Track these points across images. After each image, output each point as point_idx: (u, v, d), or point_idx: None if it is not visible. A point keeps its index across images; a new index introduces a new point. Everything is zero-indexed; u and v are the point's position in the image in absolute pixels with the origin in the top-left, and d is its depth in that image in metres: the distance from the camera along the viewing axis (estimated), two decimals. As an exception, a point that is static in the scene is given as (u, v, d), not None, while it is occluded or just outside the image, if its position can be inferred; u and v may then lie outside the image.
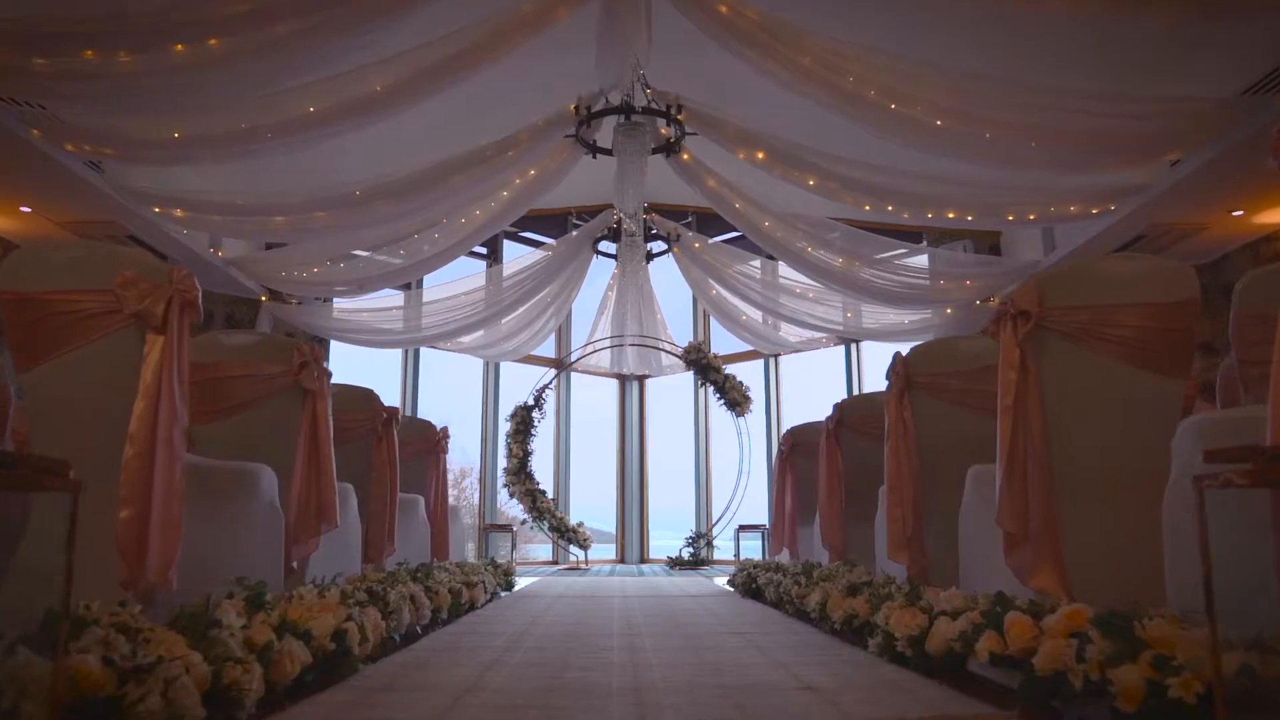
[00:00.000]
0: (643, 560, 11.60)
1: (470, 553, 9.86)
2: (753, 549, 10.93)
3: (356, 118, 5.49)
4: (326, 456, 3.22)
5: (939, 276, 8.12)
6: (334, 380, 3.55)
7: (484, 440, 10.61)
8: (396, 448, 4.30)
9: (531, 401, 9.83)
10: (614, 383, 12.00)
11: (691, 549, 9.91)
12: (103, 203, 6.43)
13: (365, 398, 4.32)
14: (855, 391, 9.95)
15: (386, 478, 4.17)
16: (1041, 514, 2.34)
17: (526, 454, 9.68)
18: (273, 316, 8.82)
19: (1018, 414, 2.46)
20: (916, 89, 5.37)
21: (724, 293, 9.88)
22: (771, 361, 10.74)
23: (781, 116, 6.98)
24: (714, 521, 10.22)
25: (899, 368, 3.49)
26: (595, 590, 5.91)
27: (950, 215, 6.82)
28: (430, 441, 5.28)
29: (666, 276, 11.02)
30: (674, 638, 3.20)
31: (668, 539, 11.89)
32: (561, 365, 10.97)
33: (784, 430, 5.75)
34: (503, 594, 5.67)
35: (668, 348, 10.36)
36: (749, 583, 5.15)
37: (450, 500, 5.78)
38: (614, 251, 9.79)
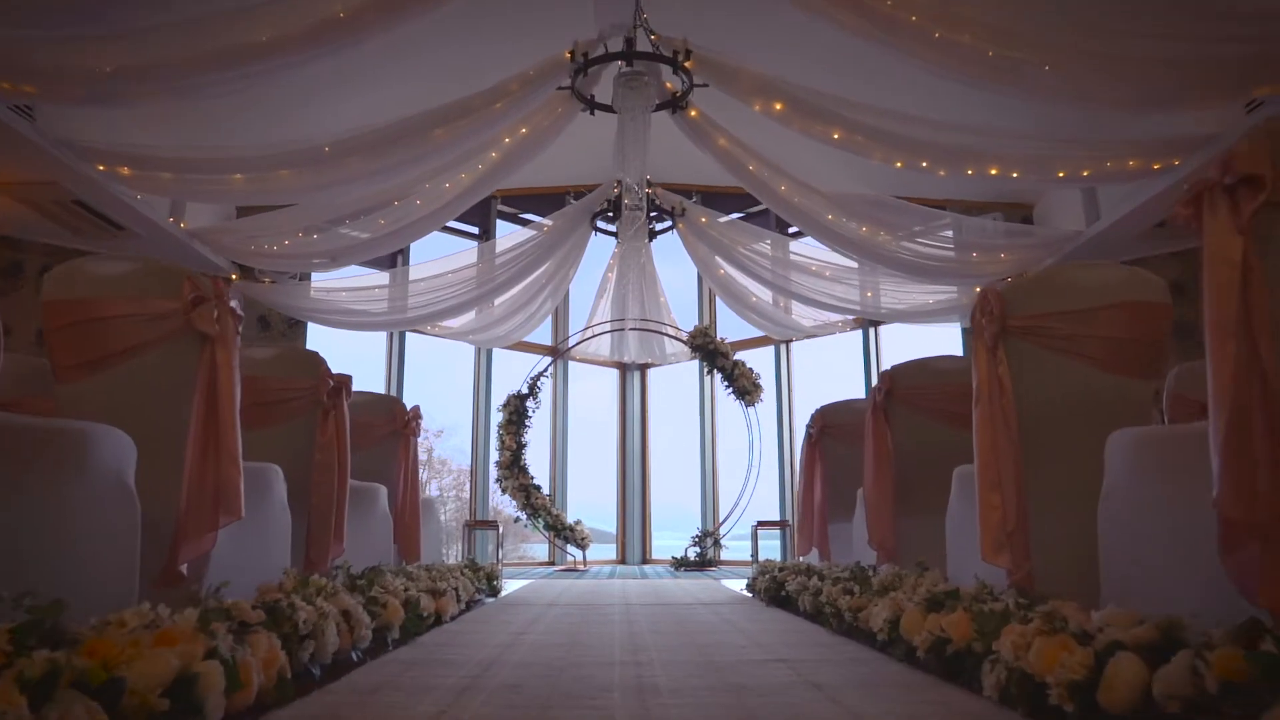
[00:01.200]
0: (645, 561, 10.74)
1: (458, 554, 9.01)
2: (770, 549, 10.08)
3: (314, 46, 4.64)
4: (229, 424, 2.37)
5: (969, 248, 7.27)
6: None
7: (475, 433, 9.75)
8: (346, 424, 3.46)
9: (525, 390, 8.98)
10: (614, 373, 11.14)
11: (698, 549, 9.05)
12: (38, 158, 5.58)
13: (308, 362, 3.48)
14: (873, 380, 9.09)
15: (333, 460, 3.33)
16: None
17: (520, 446, 8.83)
18: (243, 296, 7.95)
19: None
20: (965, 8, 4.52)
21: (732, 272, 9.04)
22: (783, 349, 9.89)
23: (800, 68, 6.14)
24: (721, 520, 9.37)
25: (990, 305, 2.62)
26: (593, 597, 5.06)
27: (992, 172, 5.97)
28: (398, 421, 4.43)
29: (670, 261, 10.19)
30: (697, 668, 2.35)
31: (671, 539, 11.04)
32: (558, 352, 10.11)
33: (814, 411, 4.89)
34: (487, 600, 4.82)
35: (671, 332, 9.50)
36: (774, 588, 4.30)
37: (433, 492, 4.94)
38: (614, 230, 8.95)
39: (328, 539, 3.22)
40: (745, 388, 9.02)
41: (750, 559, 6.10)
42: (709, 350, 9.04)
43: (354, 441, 4.10)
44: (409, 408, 4.52)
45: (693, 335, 9.09)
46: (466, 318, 9.23)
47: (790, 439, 9.72)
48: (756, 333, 10.02)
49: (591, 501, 11.09)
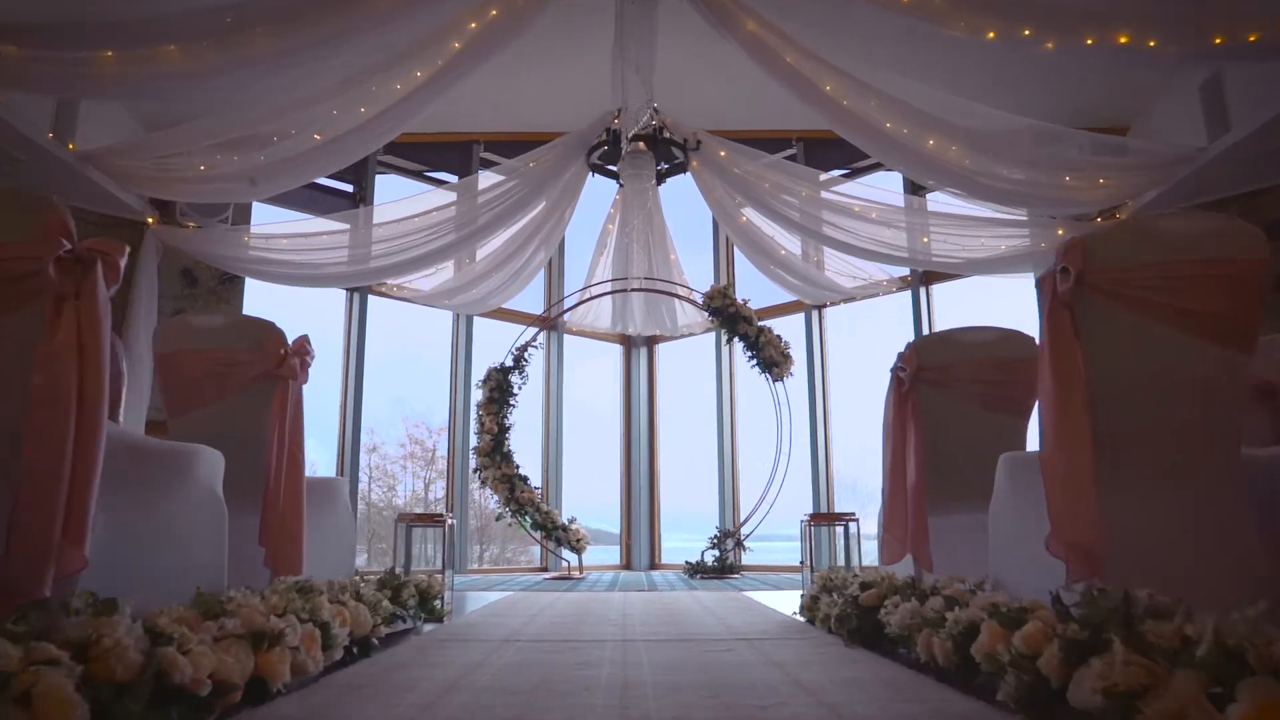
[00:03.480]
0: (653, 566, 9.10)
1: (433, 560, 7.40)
2: (783, 551, 8.44)
3: None
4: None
5: (1065, 169, 5.62)
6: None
7: (452, 416, 8.14)
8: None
9: (510, 362, 7.36)
10: (617, 350, 9.52)
11: (716, 552, 7.41)
12: None
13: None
14: (926, 348, 7.44)
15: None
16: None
17: (503, 429, 7.22)
18: (161, 244, 6.38)
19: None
20: None
21: (757, 220, 7.42)
22: (814, 316, 8.24)
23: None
24: (743, 518, 7.72)
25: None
26: (578, 623, 3.45)
27: (1121, 40, 4.33)
28: (268, 357, 2.81)
29: (681, 219, 8.56)
30: None
31: (683, 540, 9.40)
32: (548, 322, 8.50)
33: (905, 347, 3.29)
34: (422, 630, 3.22)
35: (683, 291, 7.87)
36: (856, 619, 2.67)
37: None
38: (615, 170, 7.34)
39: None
40: (773, 359, 7.38)
41: (800, 564, 4.41)
42: (729, 314, 7.41)
43: (204, 389, 2.53)
44: (290, 339, 2.91)
45: (709, 296, 7.46)
46: (442, 276, 7.62)
47: (825, 422, 8.07)
48: (783, 298, 8.39)
49: (591, 498, 9.48)
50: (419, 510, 8.39)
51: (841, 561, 4.11)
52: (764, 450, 8.65)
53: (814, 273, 7.59)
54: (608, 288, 7.90)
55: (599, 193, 8.67)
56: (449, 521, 3.55)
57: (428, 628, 3.40)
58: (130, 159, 5.55)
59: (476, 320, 8.27)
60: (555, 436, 8.71)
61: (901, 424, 3.09)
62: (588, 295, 7.87)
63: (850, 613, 2.71)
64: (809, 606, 3.35)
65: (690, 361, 9.40)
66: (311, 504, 2.97)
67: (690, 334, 8.98)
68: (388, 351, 8.07)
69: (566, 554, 7.44)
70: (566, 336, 8.94)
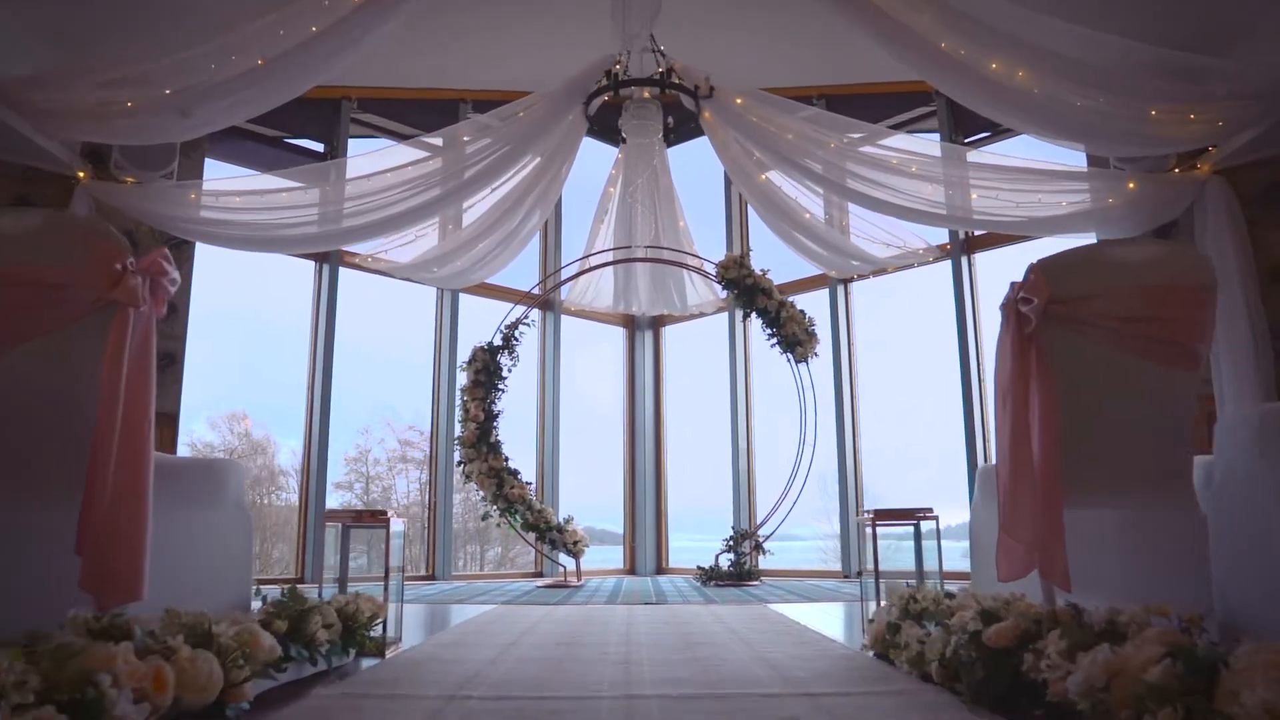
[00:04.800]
0: (660, 570, 8.16)
1: (425, 564, 6.45)
2: (801, 552, 7.52)
3: None
4: None
5: (1151, 100, 4.66)
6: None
7: (435, 405, 7.20)
8: None
9: (499, 342, 6.42)
10: (619, 332, 8.58)
11: (732, 555, 6.47)
12: None
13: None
14: (971, 329, 6.50)
15: None
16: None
17: (490, 416, 6.27)
18: (94, 203, 5.46)
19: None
20: None
21: (778, 179, 6.47)
22: (840, 291, 7.29)
23: None
24: (762, 517, 6.76)
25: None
26: (568, 656, 2.51)
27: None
28: (97, 273, 1.88)
29: (689, 187, 7.62)
30: None
31: (692, 540, 8.47)
32: (543, 296, 7.57)
33: (1025, 274, 2.35)
34: (361, 666, 2.28)
35: (693, 263, 6.92)
36: (987, 667, 1.72)
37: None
38: (617, 126, 6.40)
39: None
40: (796, 337, 6.43)
41: (859, 572, 3.32)
42: (746, 286, 6.46)
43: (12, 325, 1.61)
44: (138, 252, 1.98)
45: (723, 266, 6.51)
46: (424, 246, 6.68)
47: (853, 409, 7.12)
48: (804, 272, 7.45)
49: (592, 496, 8.54)
50: (418, 513, 7.46)
51: (895, 570, 3.14)
52: (783, 443, 7.72)
53: (841, 240, 6.64)
54: (610, 258, 6.95)
55: (600, 162, 7.75)
56: (394, 522, 2.61)
57: (367, 663, 2.46)
58: (37, 91, 4.62)
59: (463, 299, 7.33)
60: (551, 428, 7.77)
61: (1024, 379, 2.14)
62: (587, 266, 6.91)
63: (972, 658, 1.76)
64: (885, 639, 2.40)
65: (700, 345, 8.46)
66: (182, 496, 2.03)
67: (701, 314, 8.04)
68: (376, 349, 7.14)
69: (564, 558, 6.50)
70: (564, 318, 8.00)
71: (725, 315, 7.88)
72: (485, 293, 7.43)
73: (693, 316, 8.20)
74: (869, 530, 2.92)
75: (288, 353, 6.73)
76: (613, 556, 8.32)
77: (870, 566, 2.81)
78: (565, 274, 7.21)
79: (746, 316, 6.62)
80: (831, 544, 7.76)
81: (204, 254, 6.02)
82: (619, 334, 8.57)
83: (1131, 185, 5.50)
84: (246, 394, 7.06)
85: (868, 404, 7.17)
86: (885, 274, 7.00)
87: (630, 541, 8.24)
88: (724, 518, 7.84)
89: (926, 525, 2.84)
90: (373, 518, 2.68)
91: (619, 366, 8.55)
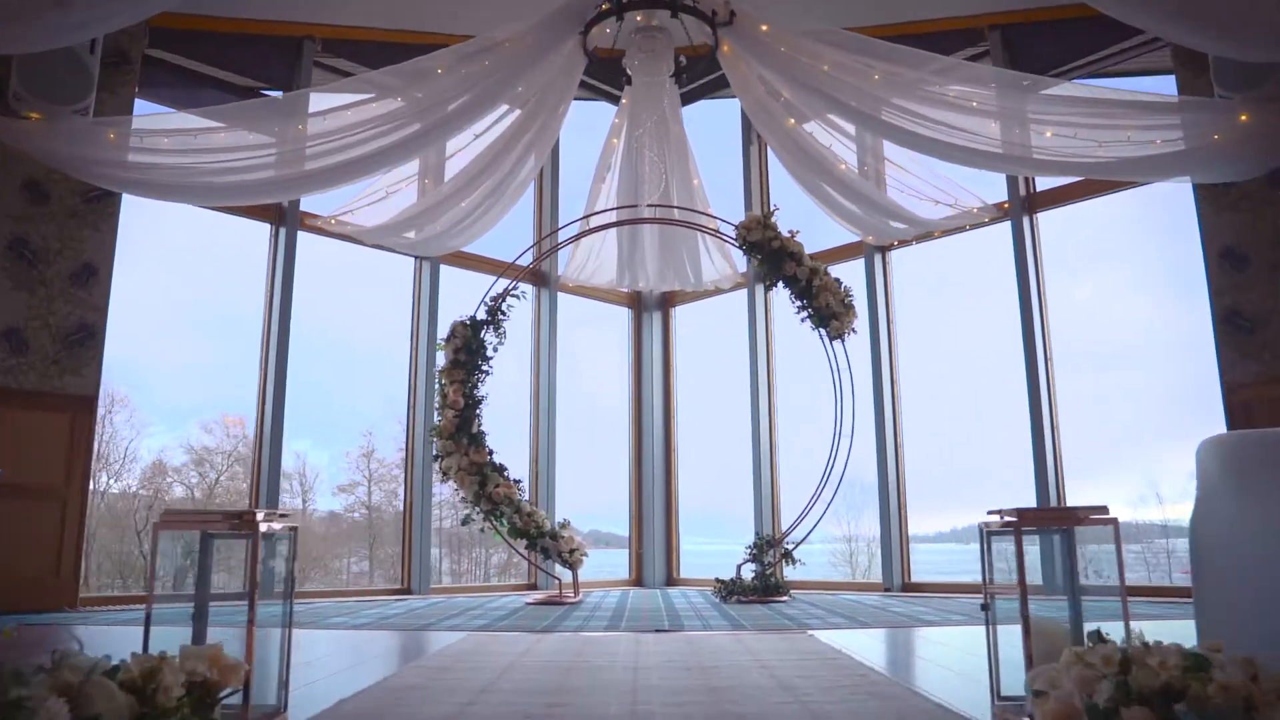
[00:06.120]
0: (670, 580, 7.15)
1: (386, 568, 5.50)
2: (821, 557, 6.56)
3: None
4: None
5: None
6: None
7: (411, 391, 6.22)
8: None
9: (484, 316, 5.43)
10: (624, 313, 7.59)
11: (755, 566, 5.46)
12: None
13: None
14: (1036, 302, 5.49)
15: None
16: None
17: (473, 403, 5.28)
18: (-5, 144, 4.51)
19: None
20: None
21: (809, 126, 5.48)
22: (878, 261, 6.28)
23: None
24: (790, 523, 5.74)
25: None
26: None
27: None
28: None
29: (702, 145, 6.62)
30: None
31: (706, 544, 7.49)
32: (536, 263, 6.60)
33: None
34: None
35: (707, 223, 5.92)
36: None
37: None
38: (615, 99, 5.42)
39: None
40: (831, 309, 5.43)
41: (985, 603, 2.12)
42: (771, 251, 5.46)
43: None
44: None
45: (745, 227, 5.51)
46: (399, 203, 5.70)
47: (894, 395, 6.11)
48: (835, 240, 6.46)
49: (594, 496, 7.56)
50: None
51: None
52: (809, 436, 6.72)
53: (881, 196, 5.64)
54: (613, 216, 5.95)
55: (602, 125, 6.76)
56: (264, 525, 1.62)
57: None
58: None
59: (446, 273, 6.35)
60: (547, 420, 6.77)
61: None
62: (587, 228, 5.91)
63: None
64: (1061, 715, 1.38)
65: (716, 326, 7.47)
66: None
67: (717, 290, 7.04)
68: (374, 342, 6.16)
69: (561, 568, 5.49)
70: (561, 297, 7.01)
71: (744, 293, 6.88)
72: (470, 264, 6.45)
73: (707, 294, 7.20)
74: (990, 539, 1.90)
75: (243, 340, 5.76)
76: (617, 563, 7.32)
77: (991, 587, 1.80)
78: (567, 229, 6.19)
79: (771, 287, 5.62)
80: (841, 549, 6.78)
81: (131, 208, 5.05)
82: (623, 315, 7.57)
83: (1243, 118, 4.50)
84: (242, 394, 6.17)
85: (910, 391, 6.17)
86: (931, 239, 5.99)
87: (637, 547, 7.23)
88: (740, 520, 6.86)
89: (1092, 534, 1.82)
90: (236, 522, 1.68)
91: (624, 351, 7.56)
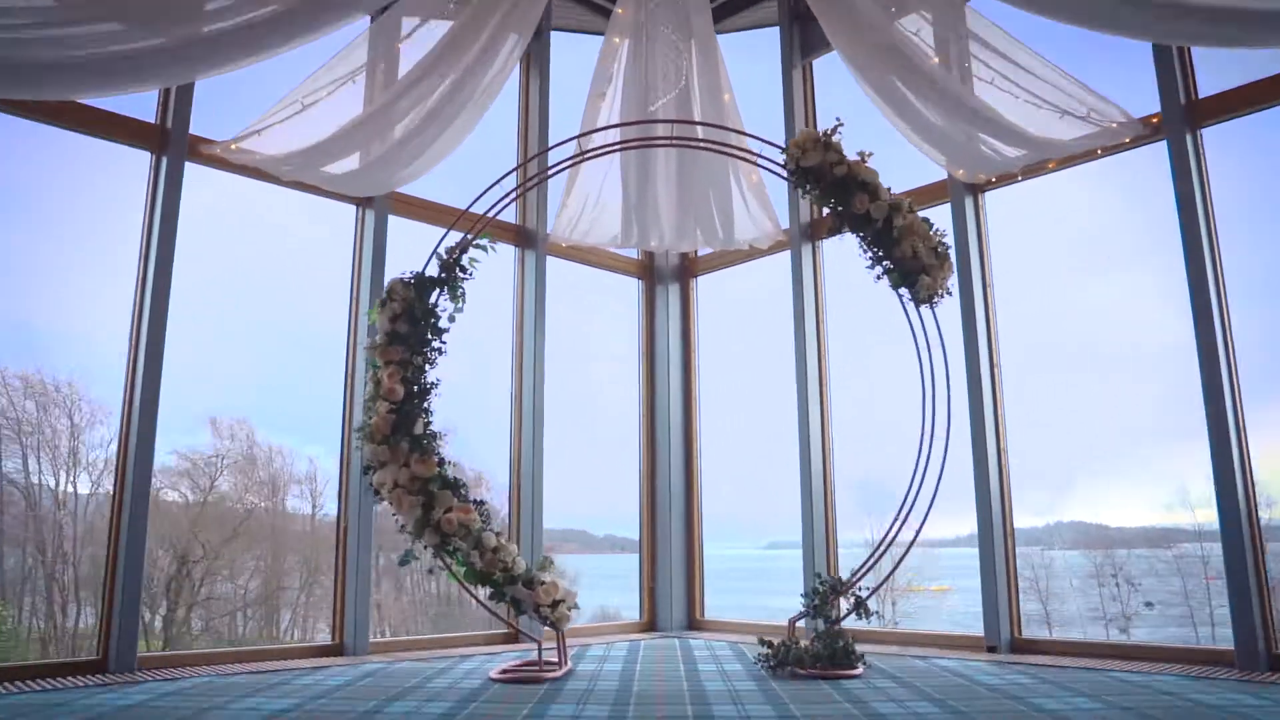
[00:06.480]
0: (693, 623, 5.60)
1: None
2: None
3: None
4: None
5: None
6: None
7: (349, 376, 4.69)
8: None
9: (439, 271, 3.88)
10: (633, 285, 6.05)
11: (816, 620, 3.88)
12: None
13: None
14: (1209, 251, 3.89)
15: None
16: None
17: (418, 392, 3.72)
18: None
19: None
20: None
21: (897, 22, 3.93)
22: (969, 205, 4.70)
23: None
24: (870, 556, 4.14)
25: None
26: None
27: None
28: None
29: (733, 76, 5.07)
30: None
31: (728, 548, 6.02)
32: (519, 192, 5.07)
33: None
34: None
35: (734, 141, 4.34)
36: None
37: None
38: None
39: None
40: (918, 260, 3.85)
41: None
42: (836, 181, 3.88)
43: None
44: None
45: (799, 146, 3.93)
46: (324, 119, 4.17)
47: (994, 379, 4.54)
48: (908, 183, 4.88)
49: (597, 508, 6.07)
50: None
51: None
52: (871, 436, 5.21)
53: (985, 106, 4.07)
54: (615, 135, 4.38)
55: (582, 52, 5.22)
56: None
57: None
58: None
59: (395, 224, 4.82)
60: (532, 418, 5.23)
61: None
62: (582, 152, 4.32)
63: None
64: None
65: (750, 299, 5.91)
66: None
67: (753, 253, 5.48)
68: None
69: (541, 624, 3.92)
70: (553, 264, 5.47)
71: (787, 256, 5.31)
72: (426, 214, 4.91)
73: (737, 259, 5.65)
74: None
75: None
76: (623, 572, 5.78)
77: None
78: (557, 151, 4.63)
79: (837, 230, 4.02)
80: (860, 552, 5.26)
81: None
82: (632, 288, 6.03)
83: None
84: (258, 398, 4.77)
85: (1012, 371, 4.60)
86: (1042, 174, 4.41)
87: (649, 576, 5.69)
88: (773, 522, 5.36)
89: None
90: None
91: (633, 332, 6.01)
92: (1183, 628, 4.74)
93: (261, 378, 4.80)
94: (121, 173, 4.15)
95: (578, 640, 4.95)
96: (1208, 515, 4.06)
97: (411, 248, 4.81)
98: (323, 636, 4.60)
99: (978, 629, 4.37)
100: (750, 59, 5.68)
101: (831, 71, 5.50)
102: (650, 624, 5.61)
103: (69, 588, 4.13)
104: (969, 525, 4.52)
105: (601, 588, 6.18)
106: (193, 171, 4.16)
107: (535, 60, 5.31)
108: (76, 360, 4.15)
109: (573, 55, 5.63)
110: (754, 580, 8.88)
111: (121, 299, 4.05)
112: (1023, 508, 4.51)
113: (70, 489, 4.16)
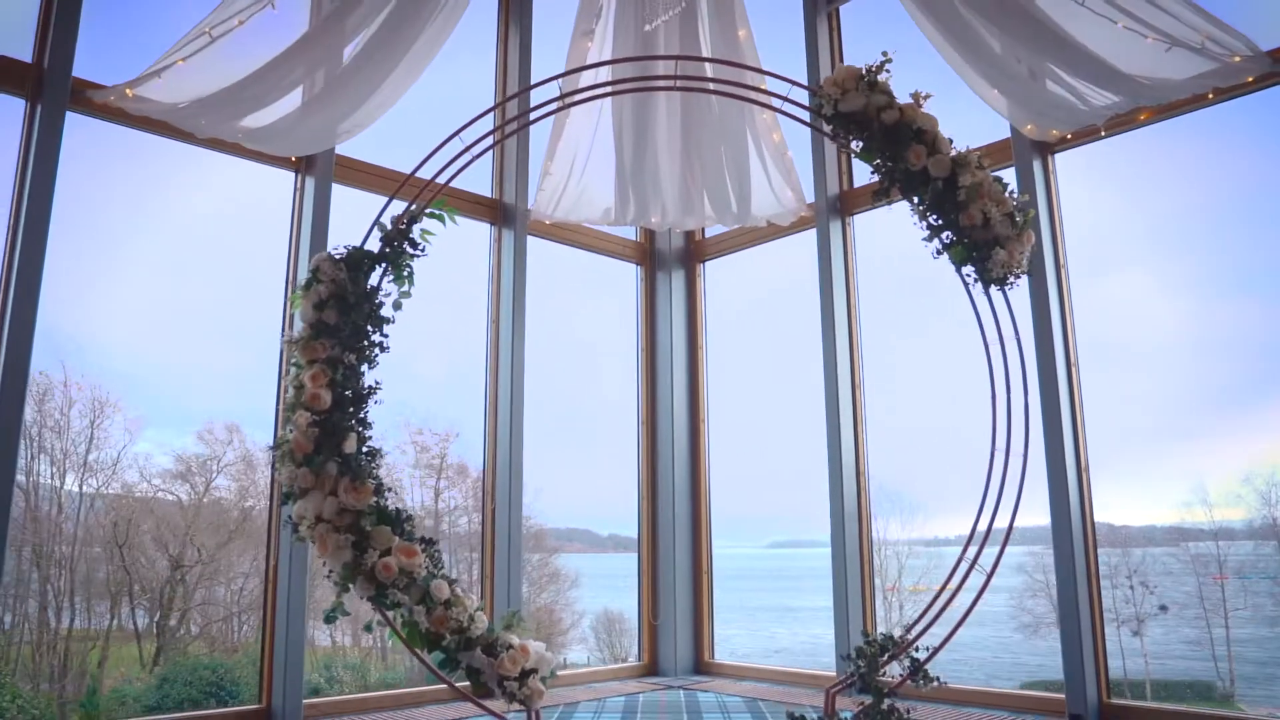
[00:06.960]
0: (700, 667, 4.77)
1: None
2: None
3: None
4: None
5: None
6: None
7: (282, 370, 3.86)
8: None
9: (379, 242, 3.04)
10: (630, 271, 5.21)
11: (864, 689, 3.03)
12: None
13: None
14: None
15: None
16: None
17: (352, 399, 2.88)
18: None
19: None
20: None
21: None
22: (1037, 167, 3.83)
23: None
24: (940, 595, 3.29)
25: None
26: None
27: None
28: None
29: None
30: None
31: (733, 547, 5.24)
32: (491, 205, 4.22)
33: None
34: None
35: (759, 87, 3.48)
36: None
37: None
38: None
39: None
40: (994, 227, 2.99)
41: None
42: (885, 129, 3.03)
43: None
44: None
45: (837, 85, 3.07)
46: (240, 54, 3.33)
47: (1070, 365, 3.69)
48: (965, 142, 4.02)
49: (590, 500, 5.28)
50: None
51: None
52: (914, 444, 4.39)
53: (1071, 35, 3.22)
54: (605, 86, 3.52)
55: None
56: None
57: None
58: None
59: (338, 192, 3.96)
60: (510, 423, 4.38)
61: None
62: (564, 96, 3.44)
63: None
64: None
65: (768, 286, 5.07)
66: None
67: (773, 231, 4.63)
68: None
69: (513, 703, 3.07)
70: (538, 245, 4.62)
71: (812, 234, 4.47)
72: (379, 184, 4.06)
73: (753, 238, 4.81)
74: None
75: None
76: (623, 572, 4.95)
77: None
78: (531, 122, 3.77)
79: (884, 193, 3.16)
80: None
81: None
82: (629, 274, 5.19)
83: None
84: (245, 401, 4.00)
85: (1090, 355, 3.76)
86: (1131, 126, 3.56)
87: (649, 609, 4.85)
88: (775, 529, 4.54)
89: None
90: None
91: (629, 327, 5.18)
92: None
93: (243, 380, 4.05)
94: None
95: (564, 689, 4.11)
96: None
97: (362, 224, 3.97)
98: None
99: (1005, 660, 3.53)
100: (768, 6, 4.83)
101: (862, 18, 4.66)
102: (651, 666, 4.77)
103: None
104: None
105: (605, 589, 5.41)
106: (100, 129, 3.34)
107: (515, 6, 4.46)
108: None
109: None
110: (765, 581, 8.00)
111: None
112: (1030, 504, 3.69)
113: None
